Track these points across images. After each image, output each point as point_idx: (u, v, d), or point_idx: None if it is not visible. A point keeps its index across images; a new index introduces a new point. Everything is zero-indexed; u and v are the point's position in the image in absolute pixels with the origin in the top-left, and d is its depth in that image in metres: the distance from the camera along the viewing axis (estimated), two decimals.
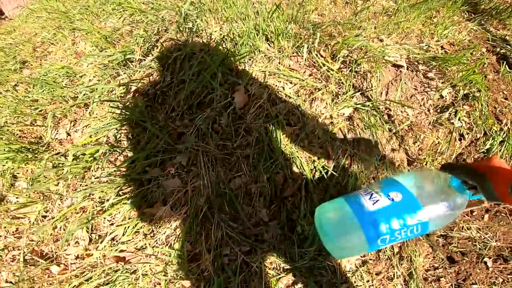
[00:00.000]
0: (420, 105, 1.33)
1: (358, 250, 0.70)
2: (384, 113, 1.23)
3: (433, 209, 0.62)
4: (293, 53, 1.34)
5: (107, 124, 1.13)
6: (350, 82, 1.25)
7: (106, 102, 1.23)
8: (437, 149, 1.22)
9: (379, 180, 0.76)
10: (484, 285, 1.09)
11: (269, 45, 1.37)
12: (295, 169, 1.04)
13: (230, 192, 1.01)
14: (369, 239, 0.62)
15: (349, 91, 1.23)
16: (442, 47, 1.60)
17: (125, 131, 1.14)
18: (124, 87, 1.20)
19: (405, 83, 1.36)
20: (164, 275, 1.00)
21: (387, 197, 0.62)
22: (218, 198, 1.01)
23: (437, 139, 1.24)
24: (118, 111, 1.13)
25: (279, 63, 1.30)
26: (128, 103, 1.18)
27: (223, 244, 1.01)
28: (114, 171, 1.09)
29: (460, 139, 1.27)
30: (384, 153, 1.14)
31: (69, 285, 1.01)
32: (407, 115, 1.27)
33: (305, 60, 1.32)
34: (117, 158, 1.13)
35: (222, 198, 1.01)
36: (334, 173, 1.06)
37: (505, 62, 1.52)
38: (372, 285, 1.06)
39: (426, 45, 1.56)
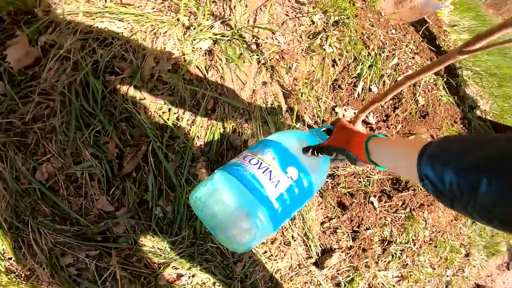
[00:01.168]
0: (292, 32, 1.17)
1: (261, 239, 0.60)
2: (251, 42, 1.03)
3: (316, 179, 0.63)
4: None
5: None
6: (209, 10, 0.98)
7: None
8: (313, 77, 1.11)
9: (267, 146, 0.62)
10: (376, 227, 1.10)
11: None
12: (134, 131, 0.77)
13: (40, 186, 0.68)
14: (275, 227, 0.58)
15: (207, 20, 0.96)
16: None
17: None
18: None
19: (275, 8, 1.17)
20: None
21: (286, 174, 0.58)
22: (24, 200, 0.68)
23: (311, 66, 1.13)
24: None
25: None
26: None
27: (58, 253, 0.72)
28: None
29: (333, 65, 1.19)
30: (254, 88, 0.96)
31: None
32: (279, 43, 1.10)
33: None
34: None
35: (30, 197, 0.68)
36: (190, 126, 0.83)
37: None
38: (272, 255, 0.95)
39: None
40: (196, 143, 0.82)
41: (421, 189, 1.18)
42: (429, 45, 1.53)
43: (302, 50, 1.14)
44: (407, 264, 1.13)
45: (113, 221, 0.74)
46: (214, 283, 0.89)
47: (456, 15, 1.94)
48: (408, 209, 1.14)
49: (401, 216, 1.12)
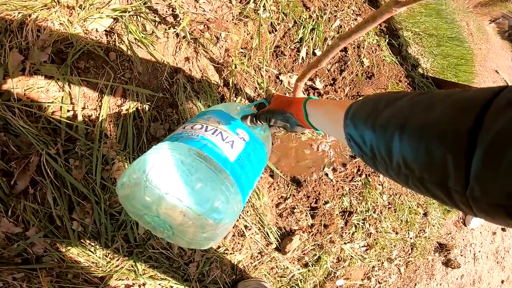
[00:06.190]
0: None
1: (232, 219, 0.46)
2: (166, 14, 0.87)
3: (265, 144, 0.58)
4: None
5: None
6: None
7: None
8: (250, 46, 0.99)
9: (206, 113, 0.55)
10: (335, 199, 1.03)
11: None
12: (19, 141, 0.61)
13: None
14: (243, 197, 0.48)
15: None
16: None
17: None
18: None
19: None
20: None
21: (237, 135, 0.51)
22: None
23: (247, 34, 0.99)
24: None
25: None
26: None
27: None
28: None
29: (272, 31, 1.06)
30: (175, 66, 0.82)
31: None
32: (204, 11, 0.95)
33: None
34: None
35: None
36: (93, 123, 0.68)
37: None
38: (227, 249, 0.86)
39: None
40: (105, 142, 0.68)
41: None
42: (370, 6, 1.44)
43: (233, 17, 0.99)
44: (371, 232, 1.10)
45: (26, 242, 0.62)
46: (172, 287, 0.80)
47: None
48: (363, 175, 1.09)
49: (358, 184, 1.08)
